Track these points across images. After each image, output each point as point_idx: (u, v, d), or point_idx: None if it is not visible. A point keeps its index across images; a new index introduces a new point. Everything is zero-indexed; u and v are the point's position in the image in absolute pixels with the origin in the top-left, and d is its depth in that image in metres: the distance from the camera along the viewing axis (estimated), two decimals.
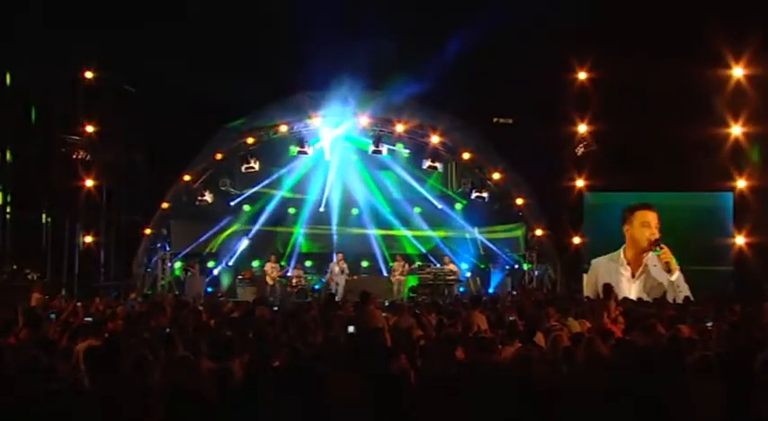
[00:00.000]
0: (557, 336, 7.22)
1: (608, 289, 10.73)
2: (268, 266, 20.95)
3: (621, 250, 18.33)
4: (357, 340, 8.26)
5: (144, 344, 6.87)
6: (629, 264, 18.18)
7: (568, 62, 18.49)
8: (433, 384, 6.13)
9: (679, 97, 16.65)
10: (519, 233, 21.45)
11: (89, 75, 18.55)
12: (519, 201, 20.67)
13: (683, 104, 16.77)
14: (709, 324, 9.42)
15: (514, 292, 19.56)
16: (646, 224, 17.99)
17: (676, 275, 17.58)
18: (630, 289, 17.68)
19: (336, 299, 15.69)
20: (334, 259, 20.84)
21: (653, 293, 16.94)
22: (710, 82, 17.17)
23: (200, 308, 12.95)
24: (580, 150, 19.00)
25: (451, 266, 20.53)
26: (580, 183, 19.41)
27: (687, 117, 16.86)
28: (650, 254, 17.86)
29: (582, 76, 18.74)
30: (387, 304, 14.78)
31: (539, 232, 20.38)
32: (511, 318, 9.79)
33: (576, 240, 19.65)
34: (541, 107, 18.31)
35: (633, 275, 18.03)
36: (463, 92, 18.59)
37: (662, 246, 17.67)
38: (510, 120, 20.25)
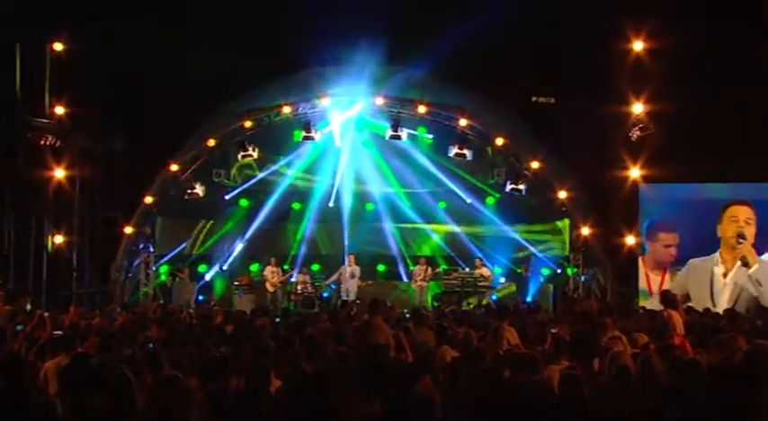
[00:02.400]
0: (614, 354, 7.15)
1: (668, 297, 10.60)
2: (268, 271, 21.02)
3: (719, 250, 19.16)
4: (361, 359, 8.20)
5: (125, 362, 6.88)
6: (723, 263, 18.97)
7: (621, 29, 18.27)
8: (463, 409, 6.08)
9: (759, 70, 16.40)
10: (562, 232, 21.37)
11: (58, 47, 18.54)
12: (562, 195, 20.63)
13: (763, 78, 16.53)
14: None
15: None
16: (734, 219, 18.85)
17: (754, 268, 18.48)
18: (723, 290, 18.53)
19: None
20: (345, 262, 20.88)
21: (743, 296, 18.24)
22: None
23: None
24: (635, 134, 18.86)
25: (483, 270, 20.50)
26: (635, 172, 19.26)
27: None
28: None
29: (638, 45, 18.51)
30: (407, 314, 14.77)
31: (585, 231, 20.32)
32: (553, 331, 9.72)
33: (630, 240, 19.53)
34: (589, 83, 18.17)
35: (725, 275, 18.81)
36: (496, 67, 18.50)
37: (742, 239, 18.52)
38: (551, 100, 20.17)
